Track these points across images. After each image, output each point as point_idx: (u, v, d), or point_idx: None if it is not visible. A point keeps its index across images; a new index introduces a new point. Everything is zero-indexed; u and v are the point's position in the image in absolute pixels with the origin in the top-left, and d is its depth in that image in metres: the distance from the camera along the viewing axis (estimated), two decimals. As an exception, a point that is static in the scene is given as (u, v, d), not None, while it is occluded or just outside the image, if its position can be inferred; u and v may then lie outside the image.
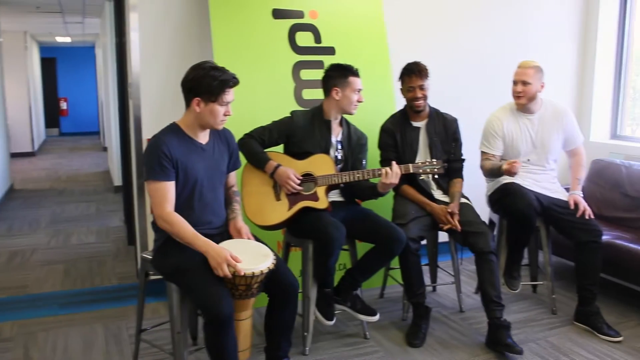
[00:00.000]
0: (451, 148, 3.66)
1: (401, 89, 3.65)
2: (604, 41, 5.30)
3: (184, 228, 2.61)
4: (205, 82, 2.64)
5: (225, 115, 2.72)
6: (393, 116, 3.72)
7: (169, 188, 2.65)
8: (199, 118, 2.72)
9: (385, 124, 3.69)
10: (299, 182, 3.24)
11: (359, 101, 3.39)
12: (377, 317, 3.34)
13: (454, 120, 3.71)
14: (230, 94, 2.70)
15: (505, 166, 3.46)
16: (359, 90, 3.38)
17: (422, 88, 3.52)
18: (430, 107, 3.65)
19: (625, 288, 4.10)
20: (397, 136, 3.61)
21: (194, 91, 2.67)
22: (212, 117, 2.69)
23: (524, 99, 3.67)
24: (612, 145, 5.20)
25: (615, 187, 4.47)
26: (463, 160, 3.72)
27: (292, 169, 3.24)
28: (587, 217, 3.56)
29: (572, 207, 3.60)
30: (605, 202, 4.50)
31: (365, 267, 3.33)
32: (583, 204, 3.59)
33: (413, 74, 3.52)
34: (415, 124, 3.63)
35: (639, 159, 4.67)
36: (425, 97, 3.55)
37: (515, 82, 3.69)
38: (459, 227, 3.44)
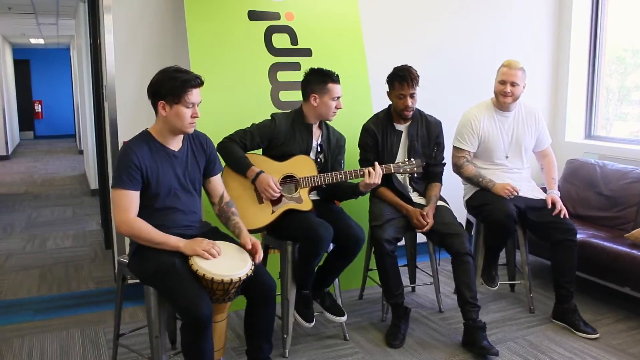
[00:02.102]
0: (432, 152, 3.64)
1: (389, 93, 3.57)
2: (578, 42, 5.37)
3: (152, 230, 2.61)
4: (168, 84, 2.62)
5: (192, 117, 2.68)
6: (376, 116, 3.67)
7: (135, 197, 2.64)
8: (167, 123, 2.69)
9: (368, 124, 3.63)
10: (279, 191, 3.21)
11: (337, 108, 3.36)
12: (344, 318, 3.36)
13: (438, 124, 3.68)
14: (195, 95, 2.66)
15: (497, 191, 3.60)
16: (338, 98, 3.33)
17: (412, 96, 3.47)
18: (414, 109, 3.59)
19: (600, 286, 4.15)
20: (378, 137, 3.57)
21: (158, 95, 2.65)
22: (179, 119, 2.66)
23: (510, 98, 3.70)
24: (586, 145, 5.27)
25: (590, 186, 4.53)
26: (444, 164, 3.73)
27: (272, 177, 3.21)
28: (562, 216, 3.60)
29: (550, 206, 3.63)
30: (580, 202, 4.56)
31: (330, 268, 3.33)
32: (560, 204, 3.64)
33: (405, 82, 3.43)
34: (398, 126, 3.60)
35: (612, 158, 4.74)
36: (414, 104, 3.52)
37: (503, 82, 3.69)
38: (427, 228, 3.44)
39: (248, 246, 2.75)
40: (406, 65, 3.53)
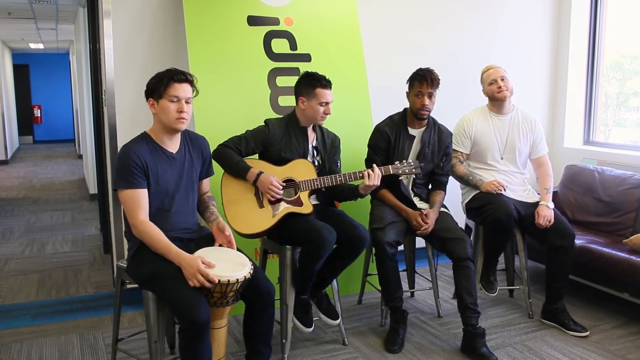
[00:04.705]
0: (440, 161, 3.65)
1: (407, 93, 3.59)
2: (576, 48, 5.39)
3: (158, 238, 2.61)
4: (154, 81, 2.71)
5: (179, 112, 2.68)
6: (390, 118, 3.66)
7: (142, 195, 2.65)
8: (158, 120, 2.74)
9: (382, 126, 3.62)
10: (281, 188, 3.22)
11: (325, 113, 3.35)
12: (336, 322, 3.39)
13: (449, 134, 3.70)
14: (178, 89, 2.67)
15: (485, 187, 3.67)
16: (326, 103, 3.32)
17: (430, 96, 3.49)
18: (429, 116, 3.61)
19: (599, 292, 4.15)
20: (391, 140, 3.57)
21: (147, 93, 2.73)
22: (165, 114, 2.68)
23: (507, 92, 3.77)
24: (585, 150, 5.28)
25: (589, 192, 4.54)
26: (449, 174, 3.75)
27: (274, 176, 3.22)
28: (544, 226, 3.59)
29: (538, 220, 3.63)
30: (579, 207, 4.57)
31: (331, 267, 3.30)
32: (544, 217, 3.60)
33: (425, 80, 3.46)
34: (412, 131, 3.60)
35: (611, 164, 4.75)
36: (431, 106, 3.53)
37: (493, 82, 3.78)
38: (428, 230, 3.45)
39: (227, 231, 2.79)
40: (429, 68, 3.56)
